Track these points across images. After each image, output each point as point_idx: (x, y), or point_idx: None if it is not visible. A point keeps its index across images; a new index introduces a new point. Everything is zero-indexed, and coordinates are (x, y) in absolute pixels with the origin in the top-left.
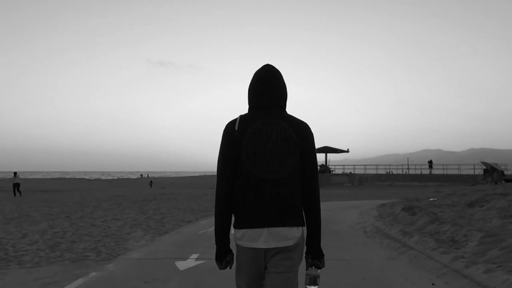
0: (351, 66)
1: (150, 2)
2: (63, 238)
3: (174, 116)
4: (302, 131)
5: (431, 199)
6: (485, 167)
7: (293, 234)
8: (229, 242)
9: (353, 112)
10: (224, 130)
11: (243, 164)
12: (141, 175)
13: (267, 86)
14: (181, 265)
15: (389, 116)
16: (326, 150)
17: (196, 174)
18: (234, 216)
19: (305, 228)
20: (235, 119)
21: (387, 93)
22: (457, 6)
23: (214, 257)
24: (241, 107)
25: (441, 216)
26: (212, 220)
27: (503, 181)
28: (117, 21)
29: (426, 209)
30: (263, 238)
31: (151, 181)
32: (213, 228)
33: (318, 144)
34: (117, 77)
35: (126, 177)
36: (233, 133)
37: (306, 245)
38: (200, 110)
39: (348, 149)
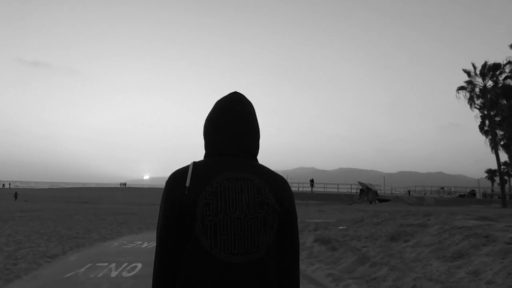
0: (238, 83)
1: None
2: None
3: (50, 122)
4: (282, 192)
5: (341, 227)
6: (361, 187)
7: None
8: None
9: None
10: (167, 185)
11: (196, 240)
12: (3, 185)
13: (236, 124)
14: None
15: (272, 134)
16: None
17: (70, 186)
18: None
19: None
20: (185, 168)
21: (270, 109)
22: (334, 31)
23: None
24: (129, 118)
25: (366, 253)
26: (85, 253)
27: (377, 201)
28: None
29: (346, 243)
30: None
31: (16, 193)
32: (85, 268)
33: None
34: None
35: None
36: (182, 191)
37: None
38: (80, 118)
39: None
